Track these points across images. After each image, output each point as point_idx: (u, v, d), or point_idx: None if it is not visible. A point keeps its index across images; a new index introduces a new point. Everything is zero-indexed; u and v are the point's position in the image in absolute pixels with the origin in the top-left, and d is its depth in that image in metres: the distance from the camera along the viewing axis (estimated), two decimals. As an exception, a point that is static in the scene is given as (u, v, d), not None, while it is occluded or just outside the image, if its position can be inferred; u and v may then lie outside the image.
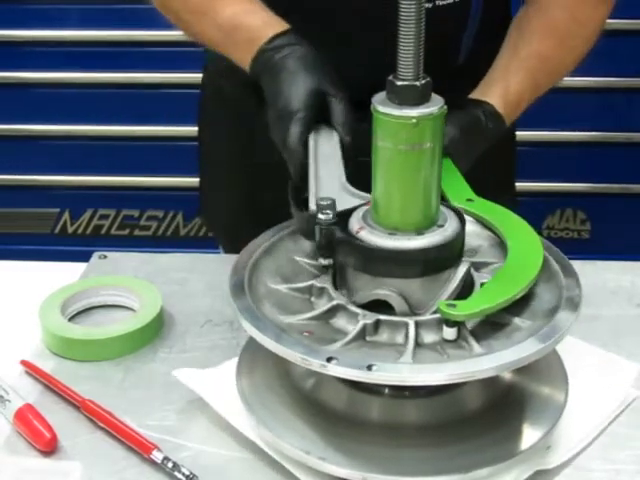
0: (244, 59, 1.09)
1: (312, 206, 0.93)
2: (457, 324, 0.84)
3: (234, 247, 1.03)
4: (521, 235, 0.95)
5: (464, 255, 0.92)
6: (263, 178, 1.28)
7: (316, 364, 0.81)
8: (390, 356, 0.84)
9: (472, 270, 0.92)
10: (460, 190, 1.01)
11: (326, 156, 1.00)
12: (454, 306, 0.83)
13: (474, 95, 1.14)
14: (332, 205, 0.91)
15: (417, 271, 0.87)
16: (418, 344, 0.86)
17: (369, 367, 0.80)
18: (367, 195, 0.94)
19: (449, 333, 0.85)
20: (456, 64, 1.21)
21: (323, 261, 0.91)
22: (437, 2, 1.11)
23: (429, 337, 0.86)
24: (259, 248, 0.99)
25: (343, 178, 0.98)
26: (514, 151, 1.44)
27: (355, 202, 0.94)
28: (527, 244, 0.93)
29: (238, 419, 0.93)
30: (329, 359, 0.81)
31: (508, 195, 1.40)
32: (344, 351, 0.84)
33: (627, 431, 0.95)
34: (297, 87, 1.01)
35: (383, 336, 0.87)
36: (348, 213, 0.92)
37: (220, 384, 0.98)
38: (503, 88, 1.14)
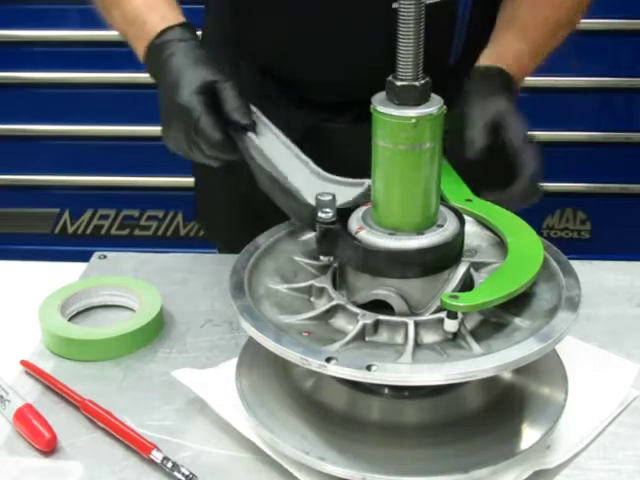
0: (141, 56, 1.10)
1: (310, 200, 0.93)
2: (458, 316, 0.85)
3: (231, 250, 1.03)
4: (521, 234, 0.95)
5: (463, 255, 0.92)
6: None
7: (315, 364, 0.81)
8: (389, 356, 0.84)
9: (471, 270, 0.92)
10: (459, 191, 1.01)
11: (279, 151, 1.00)
12: (457, 297, 0.84)
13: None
14: (332, 202, 0.91)
15: (416, 271, 0.87)
16: (417, 344, 0.86)
17: (368, 367, 0.80)
18: (342, 179, 0.95)
19: (450, 325, 0.85)
20: (447, 65, 1.20)
21: (323, 258, 0.91)
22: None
23: (428, 337, 0.87)
24: (258, 248, 0.99)
25: (312, 165, 0.99)
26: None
27: (330, 188, 0.94)
28: (527, 242, 0.93)
29: (237, 419, 0.93)
30: (328, 359, 0.81)
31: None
32: (343, 351, 0.84)
33: (627, 431, 0.95)
34: (185, 87, 1.01)
35: (382, 336, 0.87)
36: (348, 211, 0.92)
37: (219, 384, 0.98)
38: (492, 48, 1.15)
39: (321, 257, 0.92)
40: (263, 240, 1.00)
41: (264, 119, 1.04)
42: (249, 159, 1.00)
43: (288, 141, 1.02)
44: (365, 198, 0.94)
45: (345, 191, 0.95)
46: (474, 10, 1.16)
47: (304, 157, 1.00)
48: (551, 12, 1.19)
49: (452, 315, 0.85)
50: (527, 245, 0.93)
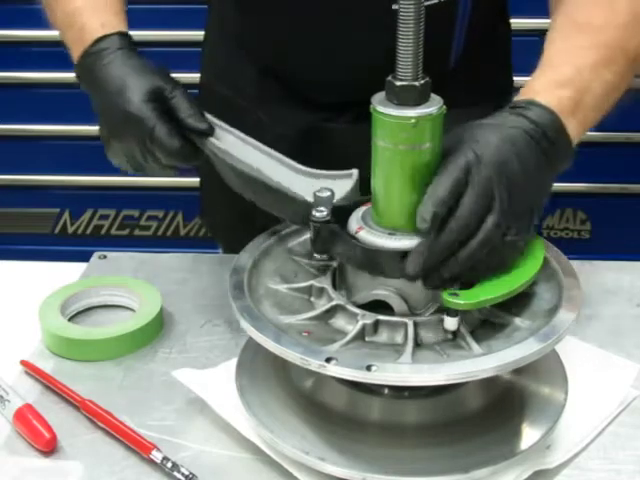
0: (75, 60, 1.06)
1: (307, 197, 0.92)
2: (458, 314, 0.85)
3: (234, 249, 1.03)
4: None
5: (464, 255, 0.92)
6: None
7: (315, 364, 0.81)
8: (389, 356, 0.84)
9: (472, 270, 0.92)
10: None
11: (249, 152, 0.99)
12: (457, 295, 0.84)
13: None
14: (329, 199, 0.90)
15: (416, 271, 0.87)
16: (417, 344, 0.86)
17: (368, 367, 0.80)
18: (322, 172, 0.94)
19: (450, 323, 0.85)
20: (447, 67, 1.19)
21: (317, 256, 0.91)
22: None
23: (428, 337, 0.86)
24: (259, 248, 0.99)
25: (287, 160, 0.97)
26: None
27: (313, 182, 0.94)
28: (527, 242, 0.93)
29: (237, 419, 0.93)
30: (328, 359, 0.81)
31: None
32: (343, 351, 0.84)
33: (627, 431, 0.95)
34: (133, 95, 0.98)
35: (382, 336, 0.87)
36: (344, 209, 0.92)
37: (219, 384, 0.98)
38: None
39: (316, 255, 0.92)
40: (263, 240, 1.00)
41: (222, 124, 1.01)
42: (219, 163, 0.98)
43: (255, 141, 1.00)
44: (354, 193, 0.93)
45: (329, 185, 0.93)
46: (474, 11, 1.16)
47: (276, 154, 0.98)
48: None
49: (452, 313, 0.85)
50: (527, 245, 0.93)
